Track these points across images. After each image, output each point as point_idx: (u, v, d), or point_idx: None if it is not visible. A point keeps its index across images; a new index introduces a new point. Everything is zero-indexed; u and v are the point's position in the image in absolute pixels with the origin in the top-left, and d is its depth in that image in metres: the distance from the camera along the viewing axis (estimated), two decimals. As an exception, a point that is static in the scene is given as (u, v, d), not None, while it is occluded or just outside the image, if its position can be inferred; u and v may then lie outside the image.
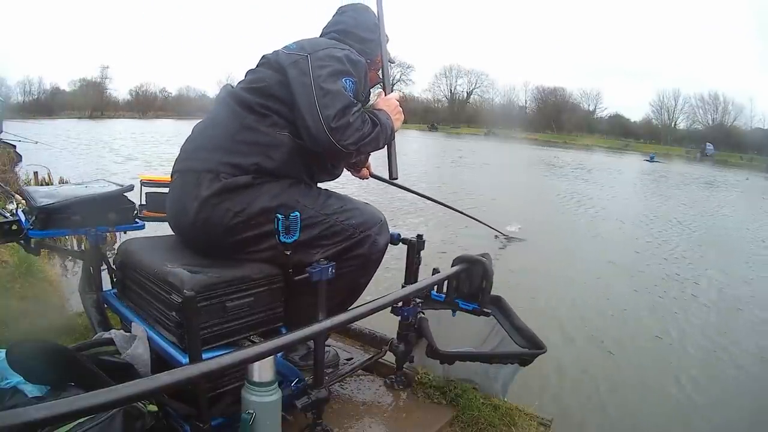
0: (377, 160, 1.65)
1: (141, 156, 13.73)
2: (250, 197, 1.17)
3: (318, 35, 1.46)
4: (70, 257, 3.28)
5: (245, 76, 1.38)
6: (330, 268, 1.17)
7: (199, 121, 1.41)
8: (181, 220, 1.24)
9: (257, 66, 1.38)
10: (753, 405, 3.14)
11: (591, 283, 5.34)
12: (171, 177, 1.32)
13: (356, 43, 1.39)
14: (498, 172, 16.37)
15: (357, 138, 1.20)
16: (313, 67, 1.22)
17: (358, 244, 1.28)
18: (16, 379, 0.96)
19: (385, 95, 1.44)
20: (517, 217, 7.04)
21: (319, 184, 1.35)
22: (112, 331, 1.16)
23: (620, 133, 54.93)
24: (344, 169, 1.52)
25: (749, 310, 5.01)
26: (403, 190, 2.59)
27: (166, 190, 1.37)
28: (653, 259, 6.68)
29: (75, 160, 11.52)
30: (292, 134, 1.23)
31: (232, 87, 1.35)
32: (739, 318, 4.77)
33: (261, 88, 1.27)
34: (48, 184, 5.73)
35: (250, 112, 1.24)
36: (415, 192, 2.80)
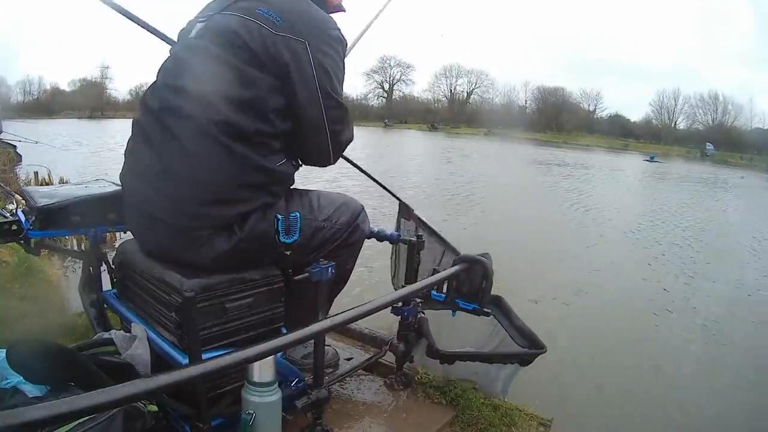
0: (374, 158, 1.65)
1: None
2: (257, 230, 1.09)
3: None
4: (70, 257, 3.28)
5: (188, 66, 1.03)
6: (330, 268, 1.17)
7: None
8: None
9: (198, 37, 1.05)
10: (753, 405, 3.14)
11: (590, 281, 5.34)
12: (127, 202, 1.14)
13: None
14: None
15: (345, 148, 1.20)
16: (317, 65, 1.03)
17: (349, 236, 1.28)
18: (16, 379, 0.96)
19: None
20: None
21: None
22: (112, 331, 1.16)
23: (620, 133, 55.09)
24: None
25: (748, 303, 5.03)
26: None
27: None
28: (652, 255, 6.68)
29: (74, 160, 11.52)
30: (288, 157, 1.10)
31: (194, 96, 0.99)
32: (737, 313, 4.78)
33: (253, 102, 1.00)
34: (48, 184, 5.73)
35: (245, 144, 1.00)
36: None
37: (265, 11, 1.01)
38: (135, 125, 1.12)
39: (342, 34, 1.10)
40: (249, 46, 0.99)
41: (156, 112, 1.06)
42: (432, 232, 1.66)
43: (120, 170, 1.16)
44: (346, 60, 1.14)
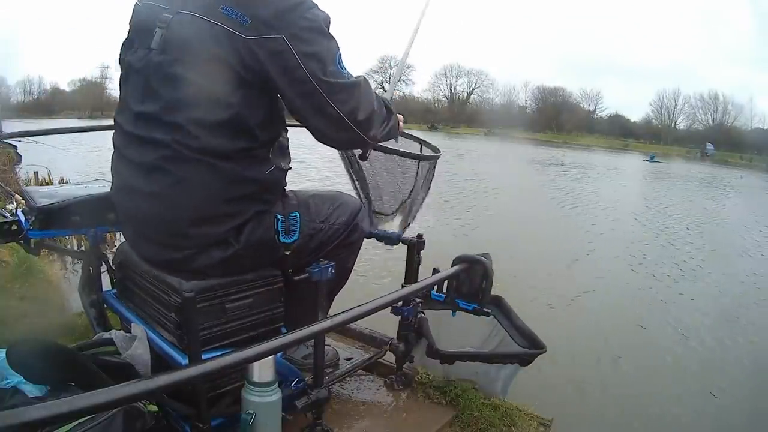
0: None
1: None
2: (254, 237, 1.08)
3: None
4: (70, 257, 3.27)
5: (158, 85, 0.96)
6: (330, 268, 1.17)
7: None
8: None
9: (160, 51, 0.95)
10: (754, 405, 3.14)
11: (590, 278, 5.34)
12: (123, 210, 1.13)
13: None
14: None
15: (381, 123, 1.10)
16: (302, 55, 0.92)
17: (349, 236, 1.28)
18: (16, 379, 0.96)
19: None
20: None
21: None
22: (112, 331, 1.16)
23: (620, 133, 55.09)
24: None
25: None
26: None
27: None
28: (653, 254, 6.68)
29: (74, 160, 11.53)
30: (277, 162, 1.07)
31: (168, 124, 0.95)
32: (739, 313, 4.78)
33: (231, 122, 0.96)
34: (48, 184, 5.72)
35: (229, 161, 0.98)
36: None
37: (230, 11, 0.91)
38: (114, 144, 1.10)
39: (320, 9, 0.97)
40: (220, 58, 0.91)
41: (131, 136, 1.04)
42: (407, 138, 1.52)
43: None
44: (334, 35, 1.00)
